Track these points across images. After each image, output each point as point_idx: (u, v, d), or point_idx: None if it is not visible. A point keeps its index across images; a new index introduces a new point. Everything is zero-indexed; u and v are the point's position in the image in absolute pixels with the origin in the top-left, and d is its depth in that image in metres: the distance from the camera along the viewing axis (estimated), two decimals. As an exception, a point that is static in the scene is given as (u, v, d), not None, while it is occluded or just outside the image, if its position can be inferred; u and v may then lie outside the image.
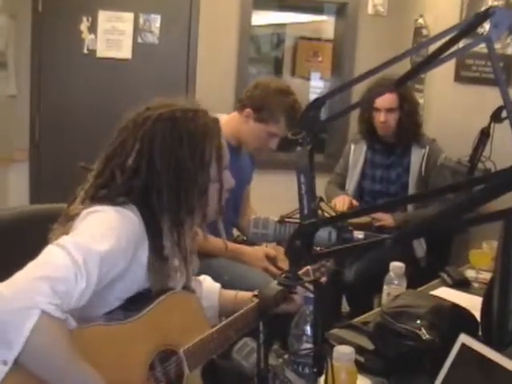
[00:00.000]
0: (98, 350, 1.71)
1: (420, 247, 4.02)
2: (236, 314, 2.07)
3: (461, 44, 1.34)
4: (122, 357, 1.78)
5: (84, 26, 5.17)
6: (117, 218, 1.79)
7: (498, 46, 4.09)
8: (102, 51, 5.22)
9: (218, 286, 2.31)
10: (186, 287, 2.07)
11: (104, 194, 1.87)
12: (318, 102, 1.59)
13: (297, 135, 1.55)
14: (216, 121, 2.02)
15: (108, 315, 1.83)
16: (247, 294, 2.22)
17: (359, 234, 1.53)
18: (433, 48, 1.34)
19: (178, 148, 1.89)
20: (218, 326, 2.03)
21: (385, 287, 2.49)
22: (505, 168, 1.06)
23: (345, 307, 4.27)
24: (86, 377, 1.64)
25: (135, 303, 1.86)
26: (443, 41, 1.33)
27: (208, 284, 2.31)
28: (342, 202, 4.07)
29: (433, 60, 1.39)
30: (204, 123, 1.95)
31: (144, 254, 1.85)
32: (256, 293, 2.14)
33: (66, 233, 1.77)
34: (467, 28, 1.26)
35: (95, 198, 1.87)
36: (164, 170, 1.87)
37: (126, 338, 1.80)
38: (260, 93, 3.21)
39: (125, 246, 1.77)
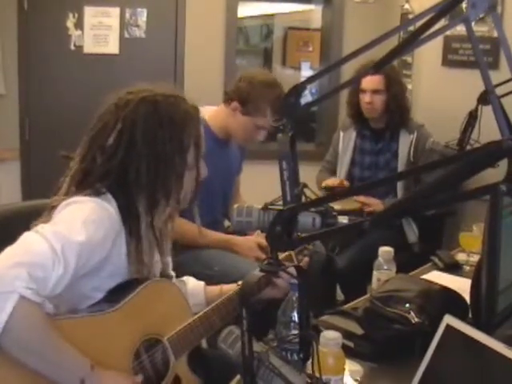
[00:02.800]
0: (80, 341, 1.73)
1: (412, 232, 4.01)
2: (218, 301, 2.09)
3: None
4: (105, 347, 1.80)
5: (70, 22, 5.16)
6: (95, 210, 1.81)
7: (484, 28, 4.08)
8: (89, 47, 5.21)
9: (202, 283, 2.32)
10: (164, 273, 2.09)
11: (89, 179, 1.90)
12: (298, 88, 1.59)
13: (278, 122, 1.55)
14: (196, 108, 2.04)
15: (91, 308, 1.84)
16: (232, 287, 2.22)
17: (343, 219, 1.52)
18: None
19: (158, 131, 1.92)
20: (200, 313, 2.04)
21: (374, 272, 2.49)
22: (479, 146, 1.06)
23: (340, 295, 4.27)
24: (67, 357, 1.68)
25: (116, 294, 1.88)
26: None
27: (192, 283, 2.32)
28: (332, 180, 4.10)
29: (412, 42, 1.38)
30: (184, 109, 1.98)
31: (122, 246, 1.88)
32: (240, 283, 2.15)
33: (45, 223, 1.78)
34: (445, 8, 1.26)
35: (82, 185, 1.90)
36: (144, 151, 1.90)
37: (108, 329, 1.82)
38: (245, 86, 3.21)
39: (103, 238, 1.79)
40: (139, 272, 1.93)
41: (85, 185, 1.89)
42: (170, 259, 2.17)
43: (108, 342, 1.81)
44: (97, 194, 1.85)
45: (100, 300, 1.88)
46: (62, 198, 1.87)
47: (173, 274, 2.21)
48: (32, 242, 1.66)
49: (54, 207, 1.86)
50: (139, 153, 1.90)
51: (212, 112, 3.30)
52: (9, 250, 1.63)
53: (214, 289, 2.29)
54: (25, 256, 1.61)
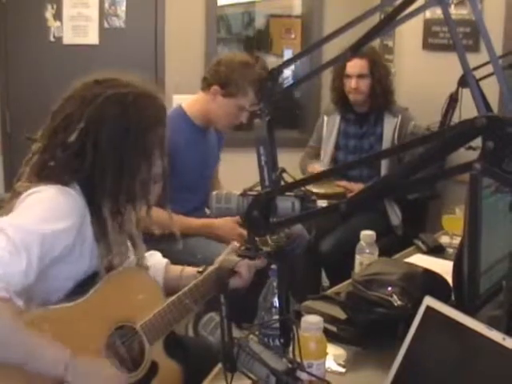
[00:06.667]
0: (49, 333, 1.72)
1: (395, 215, 4.02)
2: (191, 284, 2.06)
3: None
4: (74, 338, 1.77)
5: (49, 13, 5.10)
6: (57, 197, 1.80)
7: (464, 11, 4.08)
8: (69, 38, 5.16)
9: (164, 261, 2.29)
10: (139, 265, 2.09)
11: (50, 171, 1.87)
12: (274, 73, 1.58)
13: (255, 107, 1.54)
14: (164, 109, 2.02)
15: (61, 301, 1.84)
16: (192, 270, 2.20)
17: (323, 203, 1.52)
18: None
19: (124, 136, 1.89)
20: (172, 298, 2.03)
21: (357, 256, 2.48)
22: (455, 124, 1.06)
23: (325, 281, 4.27)
24: (43, 347, 1.66)
25: (84, 286, 1.88)
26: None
27: (154, 259, 2.28)
28: (316, 169, 4.09)
29: (389, 21, 1.38)
30: (152, 113, 1.96)
31: (88, 229, 1.87)
32: (201, 269, 2.14)
33: (8, 212, 1.77)
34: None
35: (41, 175, 1.87)
36: (109, 156, 1.87)
37: (76, 319, 1.82)
38: (225, 68, 3.20)
39: (66, 223, 1.78)
40: (107, 259, 1.93)
41: (44, 177, 1.87)
42: (144, 251, 2.14)
43: (77, 332, 1.81)
44: (62, 182, 1.84)
45: (69, 293, 1.87)
46: (26, 185, 1.85)
47: (148, 265, 2.17)
48: None
49: (18, 193, 1.84)
50: (104, 157, 1.87)
51: (190, 101, 3.29)
52: None
53: (175, 269, 2.26)
54: None
